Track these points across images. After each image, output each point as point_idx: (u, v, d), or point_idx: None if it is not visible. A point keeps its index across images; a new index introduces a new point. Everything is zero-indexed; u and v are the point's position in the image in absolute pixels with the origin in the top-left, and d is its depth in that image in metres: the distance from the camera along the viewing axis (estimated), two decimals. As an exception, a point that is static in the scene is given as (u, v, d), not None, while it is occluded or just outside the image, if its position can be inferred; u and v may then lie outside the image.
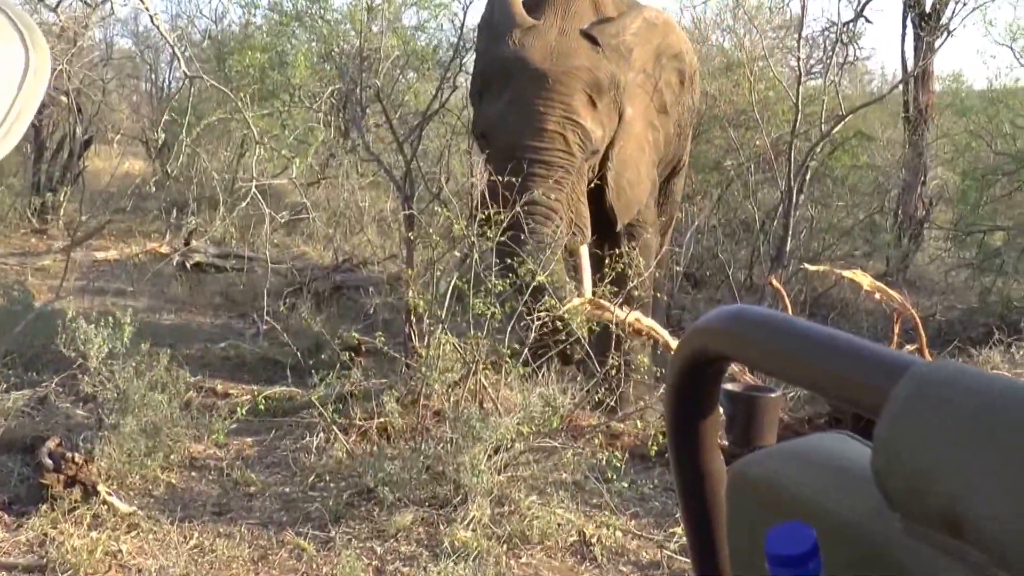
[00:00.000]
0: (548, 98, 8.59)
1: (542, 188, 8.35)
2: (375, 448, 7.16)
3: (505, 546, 6.61)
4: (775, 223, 12.49)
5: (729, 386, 1.40)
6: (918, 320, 8.50)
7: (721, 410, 1.37)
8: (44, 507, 6.50)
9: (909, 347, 8.41)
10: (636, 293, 8.92)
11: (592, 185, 9.12)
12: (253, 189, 10.26)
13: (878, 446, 0.98)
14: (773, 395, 1.41)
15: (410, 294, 8.39)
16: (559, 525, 6.82)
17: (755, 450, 1.32)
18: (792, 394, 8.21)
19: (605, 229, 9.38)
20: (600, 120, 8.87)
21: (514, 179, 8.15)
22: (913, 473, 0.95)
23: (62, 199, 15.84)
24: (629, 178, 9.33)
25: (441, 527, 6.58)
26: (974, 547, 0.91)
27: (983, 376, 0.95)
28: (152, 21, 10.59)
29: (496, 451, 6.99)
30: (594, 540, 6.76)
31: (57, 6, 12.02)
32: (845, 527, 1.10)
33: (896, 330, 8.54)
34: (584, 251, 8.92)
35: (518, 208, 8.08)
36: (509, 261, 7.97)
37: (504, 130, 8.71)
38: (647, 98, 9.66)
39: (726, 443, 1.42)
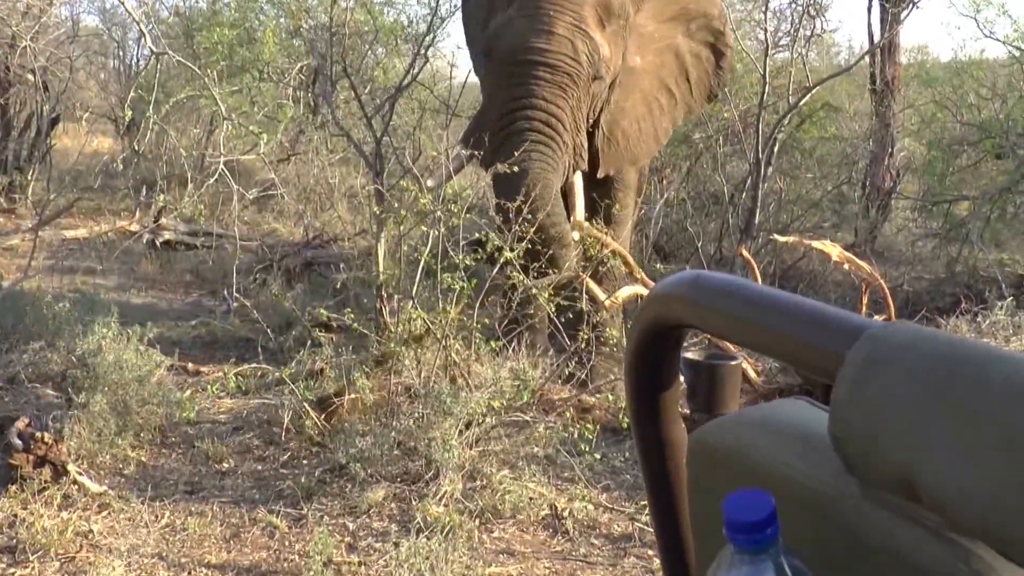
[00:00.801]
0: (559, 4, 8.31)
1: (546, 91, 8.13)
2: (346, 425, 7.12)
3: (477, 520, 6.60)
4: (744, 195, 12.53)
5: (690, 354, 1.41)
6: (886, 290, 8.53)
7: (682, 378, 1.38)
8: (13, 488, 6.46)
9: (877, 317, 8.43)
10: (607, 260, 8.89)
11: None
12: (222, 166, 10.23)
13: (834, 411, 1.02)
14: (734, 363, 1.46)
15: (380, 268, 8.37)
16: (531, 499, 6.82)
17: (716, 417, 1.32)
18: (767, 365, 8.25)
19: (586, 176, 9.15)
20: (608, 41, 8.60)
21: (515, 88, 8.20)
22: (869, 438, 0.98)
23: (30, 178, 15.79)
24: (625, 129, 9.11)
25: (413, 502, 6.57)
26: (929, 511, 0.94)
27: (939, 338, 0.97)
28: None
29: (467, 426, 6.98)
30: (566, 513, 6.76)
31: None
32: (804, 493, 1.11)
33: (864, 300, 8.59)
34: (578, 179, 8.76)
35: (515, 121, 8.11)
36: (504, 203, 7.79)
37: (509, 34, 8.44)
38: (665, 57, 9.40)
39: (687, 411, 1.42)
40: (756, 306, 1.16)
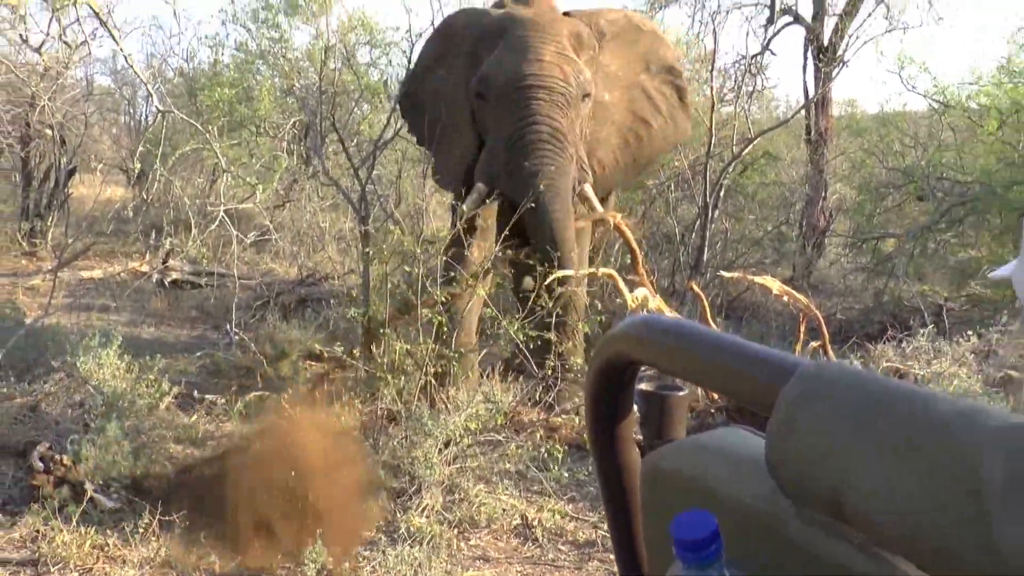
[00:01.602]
0: (542, 37, 8.54)
1: (546, 109, 8.27)
2: (337, 446, 7.12)
3: (456, 530, 6.63)
4: (693, 235, 12.56)
5: (643, 386, 1.42)
6: (821, 319, 8.57)
7: (636, 408, 1.38)
8: (36, 506, 6.45)
9: (814, 344, 8.47)
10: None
11: None
12: (222, 213, 10.23)
13: (770, 439, 1.03)
14: (681, 394, 1.46)
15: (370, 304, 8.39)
16: (504, 510, 6.85)
17: (666, 443, 1.36)
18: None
19: None
20: (587, 66, 8.81)
21: (519, 111, 8.31)
22: (801, 463, 0.99)
23: (49, 224, 15.74)
24: (601, 159, 9.23)
25: (398, 514, 6.58)
26: (855, 527, 0.96)
27: (862, 376, 0.99)
28: (127, 61, 10.51)
29: (446, 445, 7.00)
30: (535, 523, 6.78)
31: (40, 47, 11.91)
32: (744, 512, 1.12)
33: (802, 328, 8.61)
34: (588, 189, 8.78)
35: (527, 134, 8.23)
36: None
37: (504, 69, 8.57)
38: (633, 93, 9.52)
39: (640, 437, 1.44)
40: (702, 346, 1.18)
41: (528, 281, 8.75)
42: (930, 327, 8.99)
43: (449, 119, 9.18)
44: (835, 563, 1.02)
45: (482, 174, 8.69)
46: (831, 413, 0.97)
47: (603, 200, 9.57)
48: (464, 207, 8.49)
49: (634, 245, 9.14)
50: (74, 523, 6.31)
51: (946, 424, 0.88)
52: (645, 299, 8.36)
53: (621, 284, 8.41)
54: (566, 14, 9.18)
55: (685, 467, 1.25)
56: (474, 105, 9.04)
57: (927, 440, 0.88)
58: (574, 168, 8.46)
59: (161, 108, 10.60)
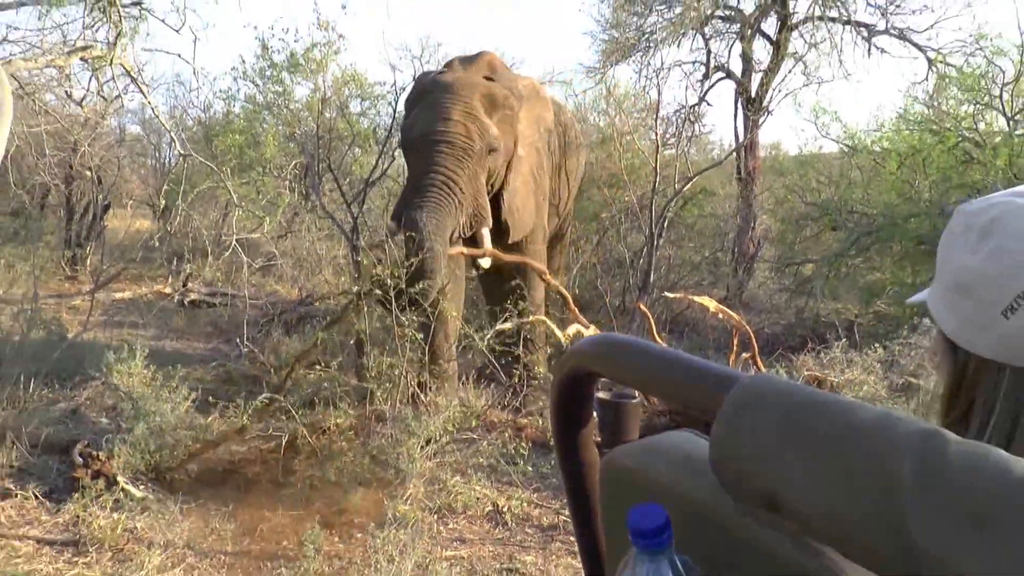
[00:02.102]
0: (452, 99, 8.51)
1: (446, 161, 8.18)
2: (333, 444, 7.14)
3: (436, 516, 6.67)
4: (641, 260, 12.54)
5: (600, 394, 1.44)
6: (752, 333, 8.60)
7: (595, 413, 1.41)
8: (76, 495, 6.48)
9: (745, 355, 8.51)
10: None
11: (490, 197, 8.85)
12: (234, 242, 10.22)
13: (714, 442, 1.04)
14: (634, 401, 1.45)
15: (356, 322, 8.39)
16: (478, 499, 6.89)
17: (622, 444, 1.35)
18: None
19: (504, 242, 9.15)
20: (495, 124, 8.71)
21: (423, 162, 8.26)
22: (741, 463, 1.01)
23: (88, 252, 15.70)
24: (518, 206, 9.11)
25: (385, 503, 6.59)
26: (789, 520, 0.97)
27: (794, 388, 1.00)
28: (154, 112, 10.53)
29: (428, 442, 7.00)
30: (505, 509, 6.82)
31: (81, 101, 11.91)
32: (690, 506, 1.13)
33: (735, 341, 8.64)
34: (486, 232, 8.63)
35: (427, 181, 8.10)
36: (409, 234, 7.92)
37: (417, 127, 8.54)
38: (529, 151, 9.42)
39: (599, 439, 1.46)
40: (655, 360, 1.18)
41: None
42: (843, 340, 9.03)
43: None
44: (770, 552, 1.04)
45: (394, 213, 8.71)
46: (767, 420, 0.99)
47: (528, 239, 9.60)
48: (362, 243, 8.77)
49: (563, 290, 9.24)
50: (108, 510, 6.34)
51: (865, 430, 0.90)
52: (579, 332, 8.47)
53: (552, 326, 8.61)
54: (488, 78, 9.10)
55: (638, 465, 1.26)
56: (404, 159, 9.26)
57: (849, 444, 0.91)
58: (464, 212, 8.32)
59: (183, 152, 10.60)
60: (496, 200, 8.89)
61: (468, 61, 9.54)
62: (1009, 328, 1.24)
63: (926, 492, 0.83)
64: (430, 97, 8.68)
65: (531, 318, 8.57)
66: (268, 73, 14.53)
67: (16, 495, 6.55)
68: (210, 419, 7.53)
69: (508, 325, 8.44)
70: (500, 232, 8.95)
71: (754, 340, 8.58)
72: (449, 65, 9.53)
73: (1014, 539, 0.78)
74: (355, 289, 8.21)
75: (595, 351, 1.29)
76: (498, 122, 8.74)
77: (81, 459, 6.79)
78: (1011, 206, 1.27)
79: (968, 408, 1.31)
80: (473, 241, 8.74)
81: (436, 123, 8.37)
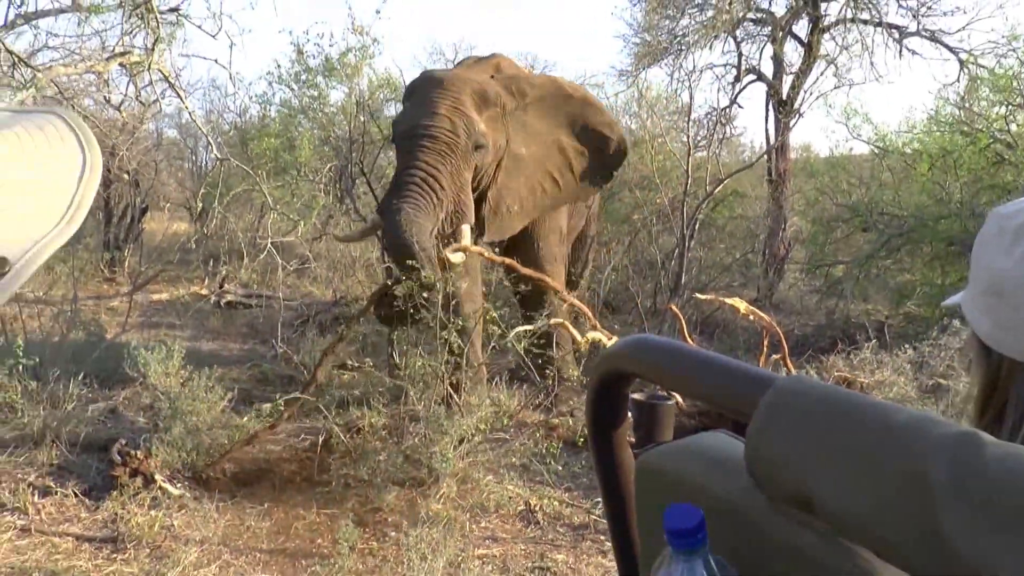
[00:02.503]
0: (441, 94, 8.24)
1: (428, 156, 7.92)
2: (366, 443, 7.16)
3: (468, 515, 6.68)
4: (672, 262, 12.52)
5: (636, 395, 1.45)
6: (781, 335, 8.55)
7: (629, 415, 1.42)
8: (115, 493, 6.54)
9: (775, 356, 8.47)
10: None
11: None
12: (269, 244, 10.28)
13: (749, 442, 1.05)
14: (669, 403, 1.45)
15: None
16: (510, 498, 6.91)
17: (656, 446, 1.35)
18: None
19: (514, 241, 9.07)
20: (485, 122, 8.40)
21: (406, 157, 8.05)
22: (774, 463, 1.01)
23: (126, 254, 15.81)
24: (509, 206, 8.81)
25: (419, 501, 6.62)
26: (820, 519, 0.97)
27: (829, 390, 1.00)
28: (191, 116, 10.60)
29: (460, 442, 7.02)
30: (537, 508, 6.83)
31: (120, 105, 12.02)
32: (724, 505, 1.13)
33: (765, 343, 8.59)
34: (466, 229, 8.21)
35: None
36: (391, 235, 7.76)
37: (404, 120, 8.38)
38: (550, 151, 9.10)
39: (633, 440, 1.47)
40: (690, 362, 1.18)
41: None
42: (873, 341, 9.00)
43: None
44: (803, 552, 1.03)
45: (379, 207, 8.53)
46: (802, 421, 0.99)
47: (517, 239, 9.31)
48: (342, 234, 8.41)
49: (581, 306, 8.79)
50: (146, 508, 6.40)
51: (900, 432, 0.91)
52: (598, 339, 8.19)
53: (572, 330, 8.20)
54: (492, 77, 8.86)
55: (672, 466, 1.25)
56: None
57: (884, 446, 0.91)
58: (444, 208, 8.01)
59: (219, 156, 10.67)
60: (481, 198, 8.65)
61: (477, 61, 9.42)
62: None
63: (961, 494, 0.82)
64: (420, 92, 8.49)
65: (551, 321, 8.43)
66: (303, 77, 14.56)
67: (56, 493, 6.61)
68: (245, 419, 7.56)
69: (529, 327, 8.38)
70: (480, 230, 8.67)
71: (784, 342, 8.53)
72: (459, 64, 9.38)
73: None
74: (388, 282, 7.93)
75: (631, 352, 1.30)
76: (488, 119, 8.48)
77: (119, 457, 6.84)
78: None
79: (1001, 410, 1.31)
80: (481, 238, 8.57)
81: (422, 117, 8.15)
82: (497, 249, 8.95)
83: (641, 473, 1.32)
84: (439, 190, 7.93)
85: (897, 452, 0.89)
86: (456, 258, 7.96)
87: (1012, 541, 0.79)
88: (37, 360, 8.08)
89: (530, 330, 8.16)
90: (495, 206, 8.73)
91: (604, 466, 1.42)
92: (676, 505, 1.06)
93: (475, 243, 8.39)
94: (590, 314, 8.49)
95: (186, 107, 9.74)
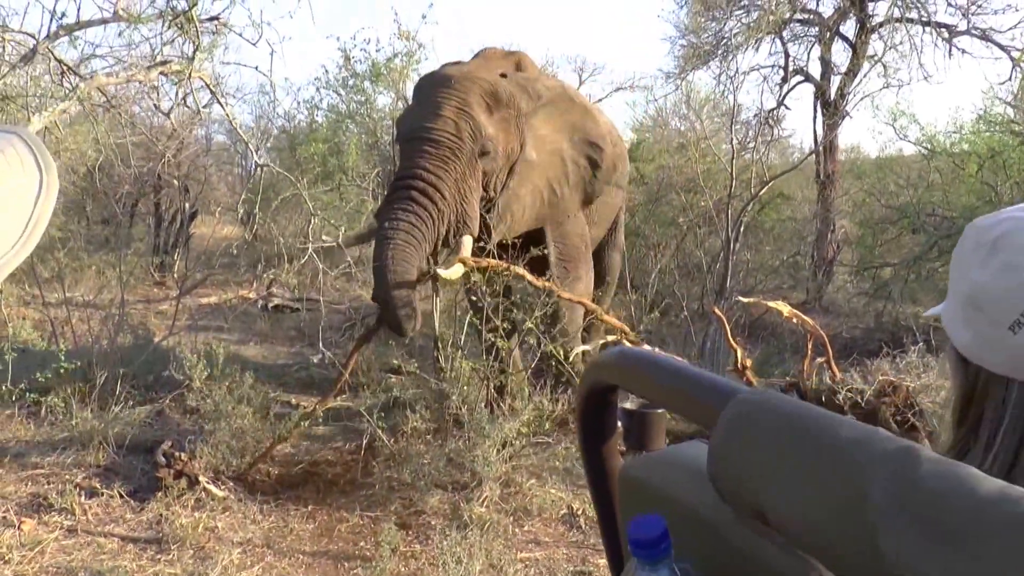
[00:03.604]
0: (447, 94, 7.67)
1: (429, 162, 7.35)
2: (410, 446, 7.17)
3: (511, 518, 6.67)
4: (718, 265, 12.50)
5: (627, 404, 1.45)
6: (826, 339, 8.48)
7: (620, 423, 1.42)
8: (159, 494, 6.60)
9: (820, 359, 8.40)
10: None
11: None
12: (310, 250, 10.32)
13: (711, 455, 1.07)
14: (658, 411, 1.46)
15: (436, 327, 8.41)
16: (553, 502, 6.88)
17: (645, 453, 1.39)
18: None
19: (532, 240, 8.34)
20: (495, 124, 7.85)
21: (405, 161, 7.55)
22: (734, 477, 1.03)
23: (175, 258, 15.96)
24: (514, 212, 8.17)
25: (462, 505, 6.61)
26: (777, 533, 0.99)
27: (786, 404, 1.01)
28: (231, 123, 10.66)
29: (503, 446, 7.01)
30: (580, 512, 6.80)
31: (169, 112, 12.13)
32: (693, 516, 1.15)
33: (809, 346, 8.53)
34: (467, 241, 7.64)
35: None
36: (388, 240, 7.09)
37: (407, 120, 7.85)
38: (552, 159, 8.50)
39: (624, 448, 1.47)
40: (662, 373, 1.21)
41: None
42: (920, 345, 8.90)
43: None
44: (765, 563, 1.05)
45: (377, 212, 7.89)
46: (758, 435, 1.01)
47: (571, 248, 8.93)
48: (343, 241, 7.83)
49: (620, 325, 8.28)
50: (190, 509, 6.44)
51: (844, 447, 0.92)
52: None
53: (612, 320, 8.11)
54: (502, 75, 8.27)
55: (650, 476, 1.28)
56: None
57: (828, 460, 0.92)
58: (445, 220, 7.45)
59: (259, 163, 10.74)
60: (492, 204, 8.08)
61: (504, 56, 8.85)
62: (1016, 343, 1.24)
63: (897, 508, 0.85)
64: (425, 91, 7.96)
65: (608, 339, 8.18)
66: (350, 83, 14.65)
67: (102, 494, 6.67)
68: (290, 423, 7.60)
69: (588, 347, 8.26)
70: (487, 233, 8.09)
71: (828, 345, 8.45)
72: (479, 55, 8.85)
73: (979, 555, 0.80)
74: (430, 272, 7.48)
75: (612, 364, 1.33)
76: (499, 121, 7.95)
77: (164, 459, 6.90)
78: (1020, 222, 1.28)
79: (978, 421, 1.32)
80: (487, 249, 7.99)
81: (425, 119, 7.61)
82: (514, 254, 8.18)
83: (623, 482, 1.36)
84: (439, 200, 7.40)
85: (841, 467, 0.91)
86: (451, 273, 7.46)
87: (945, 555, 0.81)
88: (77, 364, 8.15)
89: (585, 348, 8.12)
90: (503, 211, 8.17)
91: (595, 475, 1.45)
92: (640, 516, 1.08)
93: (484, 249, 7.98)
94: (626, 329, 8.21)
95: (228, 115, 9.80)
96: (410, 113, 7.96)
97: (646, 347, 7.21)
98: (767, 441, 0.99)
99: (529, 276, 7.77)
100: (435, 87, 7.85)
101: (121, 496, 6.69)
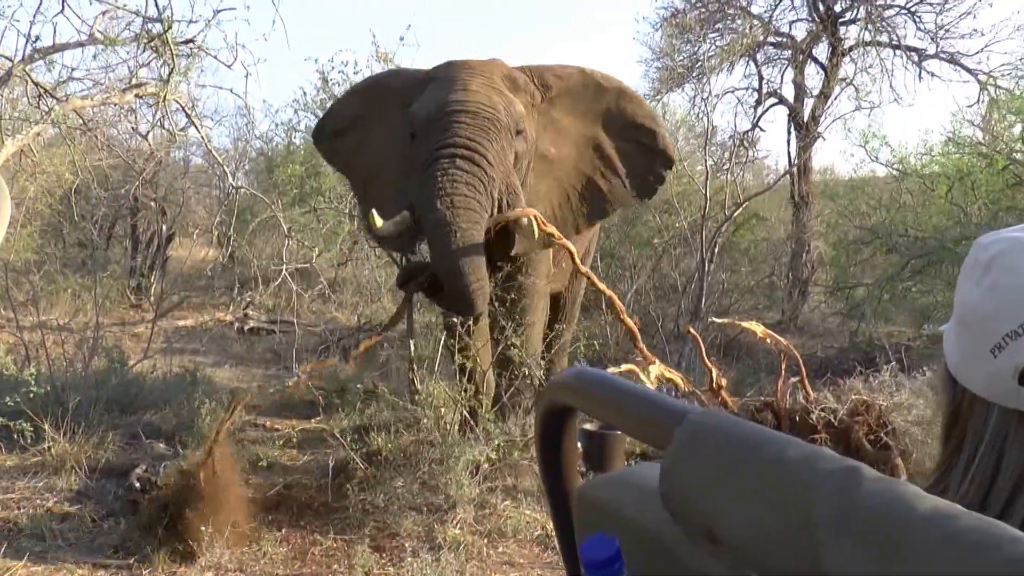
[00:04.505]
0: (470, 73, 7.01)
1: (469, 131, 6.64)
2: (383, 468, 7.14)
3: (486, 540, 6.62)
4: (693, 285, 12.54)
5: (587, 425, 1.44)
6: (799, 359, 8.48)
7: (579, 445, 1.41)
8: (132, 518, 6.53)
9: (794, 379, 8.40)
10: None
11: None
12: (284, 272, 10.33)
13: (662, 475, 1.05)
14: (618, 432, 1.44)
15: (411, 349, 8.40)
16: (527, 523, 6.84)
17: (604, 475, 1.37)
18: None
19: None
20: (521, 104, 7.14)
21: (439, 134, 6.72)
22: (684, 497, 1.02)
23: (151, 281, 15.95)
24: (540, 213, 7.06)
25: (436, 527, 6.59)
26: (727, 551, 0.98)
27: (736, 425, 1.01)
28: (206, 146, 10.68)
29: (477, 468, 6.99)
30: (554, 533, 6.76)
31: (147, 134, 12.15)
32: (647, 536, 1.15)
33: (783, 365, 8.53)
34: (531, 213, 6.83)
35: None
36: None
37: (429, 103, 6.98)
38: (583, 151, 7.74)
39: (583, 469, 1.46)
40: (616, 394, 1.20)
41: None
42: (893, 364, 8.92)
43: (387, 174, 7.60)
44: None
45: (405, 202, 6.93)
46: (707, 455, 1.00)
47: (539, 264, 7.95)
48: (382, 229, 6.82)
49: (629, 324, 7.74)
50: (161, 533, 6.38)
51: (791, 466, 0.92)
52: (662, 375, 7.43)
53: (642, 376, 7.24)
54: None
55: (607, 497, 1.28)
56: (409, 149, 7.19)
57: (774, 479, 0.93)
58: (496, 188, 6.72)
59: (235, 185, 10.76)
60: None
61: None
62: (995, 367, 1.22)
63: (841, 528, 0.85)
64: (445, 75, 7.18)
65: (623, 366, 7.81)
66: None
67: (74, 518, 6.62)
68: (265, 445, 7.57)
69: (619, 369, 7.97)
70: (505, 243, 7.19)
71: (802, 365, 8.46)
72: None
73: (917, 571, 0.80)
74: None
75: (567, 385, 1.32)
76: (519, 100, 7.21)
77: (138, 483, 6.85)
78: (1014, 242, 1.26)
79: (961, 440, 1.31)
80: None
81: (455, 95, 6.85)
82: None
83: (579, 504, 1.36)
84: (488, 167, 6.64)
85: (787, 487, 0.91)
86: (528, 229, 6.78)
87: (885, 571, 0.82)
88: (47, 388, 8.09)
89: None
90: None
91: (554, 497, 1.43)
92: (592, 537, 1.08)
93: (504, 258, 7.22)
94: (641, 345, 7.69)
95: (202, 137, 9.79)
96: (433, 96, 7.03)
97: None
98: (716, 461, 0.99)
99: (584, 269, 7.46)
100: (455, 70, 7.17)
101: (93, 520, 6.64)
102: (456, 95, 6.83)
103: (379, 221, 6.66)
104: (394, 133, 7.51)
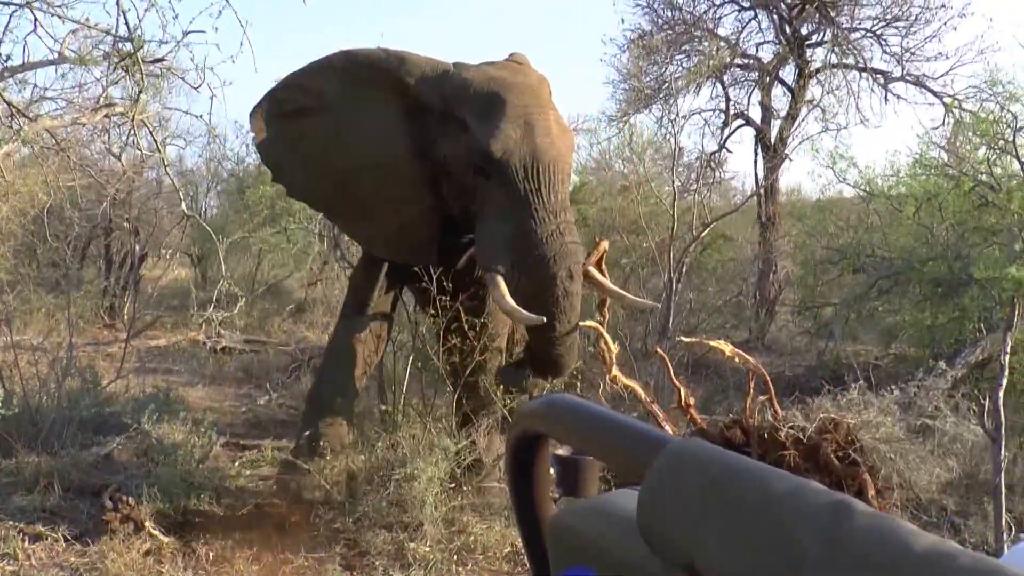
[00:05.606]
0: (541, 107, 6.77)
1: (563, 194, 6.67)
2: (354, 487, 7.15)
3: (456, 557, 6.65)
4: (661, 305, 12.57)
5: (559, 451, 1.45)
6: (767, 377, 8.52)
7: (552, 471, 1.40)
8: (105, 538, 6.51)
9: (762, 397, 8.43)
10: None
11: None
12: (249, 295, 10.33)
13: (640, 506, 1.04)
14: (590, 458, 1.41)
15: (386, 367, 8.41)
16: (496, 540, 6.86)
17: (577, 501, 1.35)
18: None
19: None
20: None
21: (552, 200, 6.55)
22: (663, 528, 1.01)
23: (125, 300, 15.87)
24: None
25: (406, 545, 6.60)
26: None
27: (716, 455, 1.00)
28: (166, 171, 10.68)
29: (441, 487, 6.99)
30: (523, 551, 6.78)
31: (120, 154, 12.10)
32: (625, 569, 1.13)
33: (751, 384, 8.56)
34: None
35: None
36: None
37: (513, 144, 6.49)
38: None
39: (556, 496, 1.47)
40: (591, 422, 1.19)
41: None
42: (860, 382, 8.98)
43: (391, 181, 7.10)
44: None
45: (495, 259, 6.69)
46: (688, 486, 0.98)
47: None
48: (506, 301, 6.62)
49: (634, 386, 7.84)
50: (135, 553, 6.37)
51: (778, 499, 0.91)
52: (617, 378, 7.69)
53: (608, 343, 7.69)
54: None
55: (581, 525, 1.25)
56: (466, 179, 6.83)
57: (761, 513, 0.91)
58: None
59: (187, 212, 10.72)
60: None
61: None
62: None
63: (829, 563, 0.83)
64: (519, 108, 6.67)
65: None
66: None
67: (47, 537, 6.59)
68: (237, 464, 7.56)
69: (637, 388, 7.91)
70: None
71: (770, 384, 8.50)
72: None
73: None
74: None
75: (540, 412, 1.30)
76: None
77: (111, 503, 6.83)
78: None
79: None
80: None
81: (544, 145, 6.60)
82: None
83: (552, 531, 1.32)
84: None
85: (773, 520, 0.89)
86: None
87: None
88: (17, 409, 8.05)
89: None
90: None
91: (525, 524, 1.41)
92: (569, 569, 1.09)
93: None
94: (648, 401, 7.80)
95: (163, 160, 9.78)
96: (510, 131, 6.60)
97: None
98: (696, 493, 0.97)
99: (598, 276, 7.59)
100: (530, 100, 6.78)
101: (66, 540, 6.61)
102: (548, 146, 6.63)
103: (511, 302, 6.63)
104: (394, 133, 7.06)
